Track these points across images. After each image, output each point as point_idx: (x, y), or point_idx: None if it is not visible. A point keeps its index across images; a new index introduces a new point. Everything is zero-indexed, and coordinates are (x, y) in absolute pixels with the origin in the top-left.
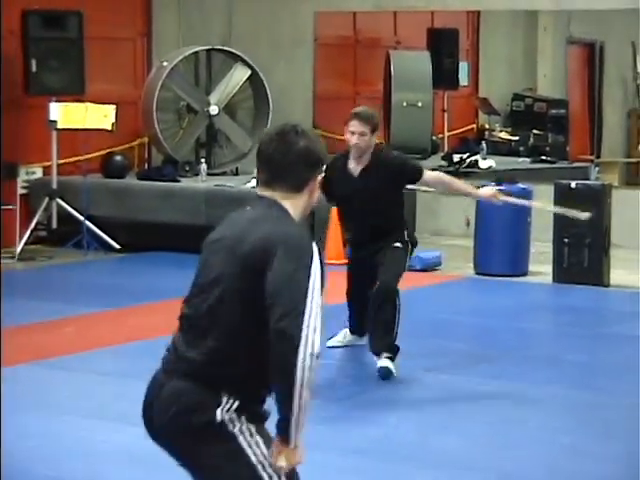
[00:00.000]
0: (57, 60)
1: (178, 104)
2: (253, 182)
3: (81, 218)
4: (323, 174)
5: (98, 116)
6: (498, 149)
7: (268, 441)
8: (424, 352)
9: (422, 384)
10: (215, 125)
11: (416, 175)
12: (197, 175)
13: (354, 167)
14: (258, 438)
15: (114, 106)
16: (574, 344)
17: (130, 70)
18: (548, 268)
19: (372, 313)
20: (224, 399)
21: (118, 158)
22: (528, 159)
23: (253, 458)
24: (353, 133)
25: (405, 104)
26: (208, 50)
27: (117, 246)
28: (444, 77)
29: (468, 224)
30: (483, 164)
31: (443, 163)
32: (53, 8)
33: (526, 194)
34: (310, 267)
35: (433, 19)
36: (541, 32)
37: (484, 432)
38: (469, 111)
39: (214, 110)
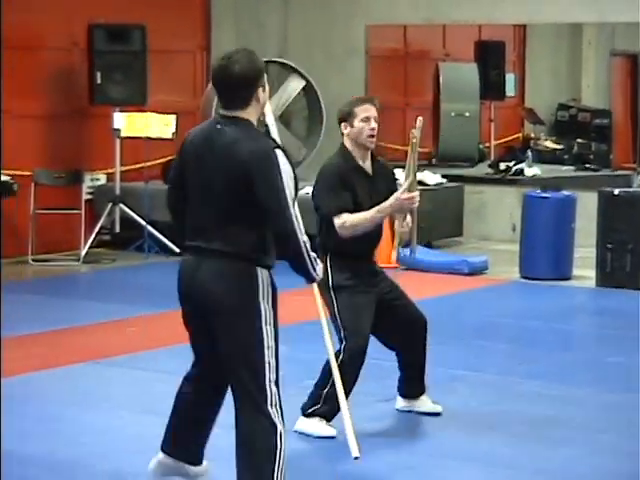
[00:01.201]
0: (121, 72)
1: None
2: (307, 189)
3: (143, 223)
4: (337, 187)
5: (159, 125)
6: (543, 157)
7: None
8: (469, 353)
9: (467, 384)
10: (271, 134)
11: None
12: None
13: (365, 165)
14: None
15: (175, 115)
16: (615, 347)
17: (190, 81)
18: (591, 272)
19: (412, 352)
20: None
21: None
22: (572, 167)
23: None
24: (368, 119)
25: (453, 114)
26: (264, 62)
27: (177, 250)
28: (491, 88)
29: (514, 229)
30: (529, 172)
31: (490, 171)
32: (118, 22)
33: (570, 201)
34: (280, 170)
35: (481, 32)
36: (585, 44)
37: (527, 432)
38: (515, 121)
39: (270, 120)
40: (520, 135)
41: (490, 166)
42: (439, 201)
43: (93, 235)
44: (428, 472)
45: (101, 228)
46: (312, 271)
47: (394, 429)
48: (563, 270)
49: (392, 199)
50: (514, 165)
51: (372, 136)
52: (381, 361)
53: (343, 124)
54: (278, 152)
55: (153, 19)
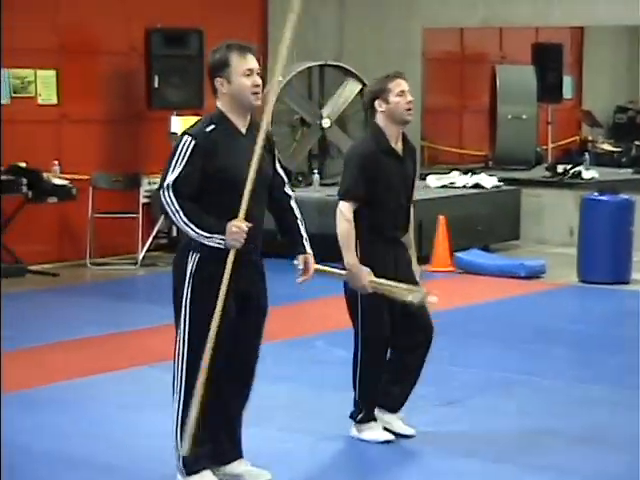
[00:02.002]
0: (178, 76)
1: (292, 117)
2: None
3: None
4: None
5: None
6: (601, 160)
7: None
8: (527, 358)
9: (525, 389)
10: (327, 137)
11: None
12: (310, 185)
13: (396, 146)
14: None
15: None
16: None
17: None
18: None
19: (413, 358)
20: None
21: None
22: (630, 170)
23: None
24: (403, 93)
25: (510, 117)
26: (321, 65)
27: None
28: (548, 90)
29: (572, 233)
30: (586, 175)
31: (547, 174)
32: (175, 26)
33: (628, 204)
34: (176, 151)
35: (538, 34)
36: None
37: (587, 436)
38: (573, 123)
39: (326, 123)
40: (578, 138)
41: (547, 169)
42: (496, 204)
43: (150, 239)
44: (484, 477)
45: (158, 232)
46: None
47: (452, 433)
48: (621, 274)
49: (347, 275)
50: (571, 168)
51: (410, 109)
52: (437, 365)
53: (377, 102)
54: (184, 137)
55: (210, 23)
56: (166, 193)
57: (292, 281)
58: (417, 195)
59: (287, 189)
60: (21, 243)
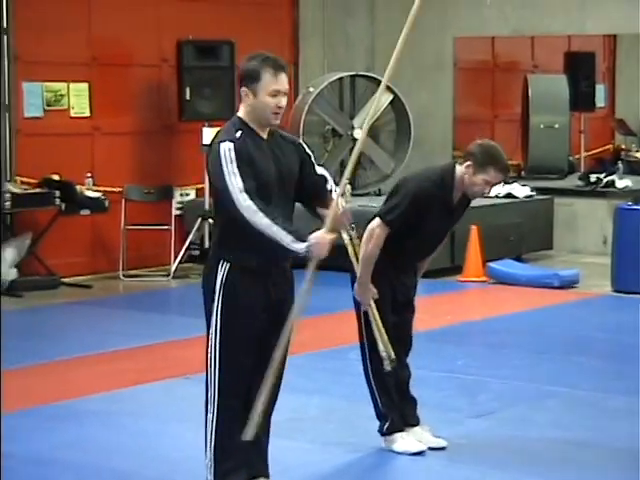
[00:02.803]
0: (210, 88)
1: (323, 128)
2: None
3: None
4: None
5: None
6: (634, 169)
7: None
8: (561, 369)
9: (559, 401)
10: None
11: None
12: (342, 196)
13: (456, 196)
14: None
15: None
16: None
17: None
18: None
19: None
20: None
21: None
22: None
23: None
24: (488, 183)
25: (542, 126)
26: (352, 76)
27: None
28: (581, 99)
29: (605, 242)
30: (620, 184)
31: (580, 183)
32: (206, 38)
33: None
34: (220, 158)
35: (570, 43)
36: None
37: (617, 448)
38: (606, 132)
39: (358, 133)
40: (611, 146)
41: (580, 178)
42: (529, 214)
43: (183, 250)
44: None
45: (191, 243)
46: (290, 248)
47: (485, 445)
48: None
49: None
50: (605, 177)
51: (478, 196)
52: (469, 376)
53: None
54: (222, 144)
55: (241, 35)
56: (241, 198)
57: (325, 293)
58: None
59: (329, 186)
60: (54, 255)
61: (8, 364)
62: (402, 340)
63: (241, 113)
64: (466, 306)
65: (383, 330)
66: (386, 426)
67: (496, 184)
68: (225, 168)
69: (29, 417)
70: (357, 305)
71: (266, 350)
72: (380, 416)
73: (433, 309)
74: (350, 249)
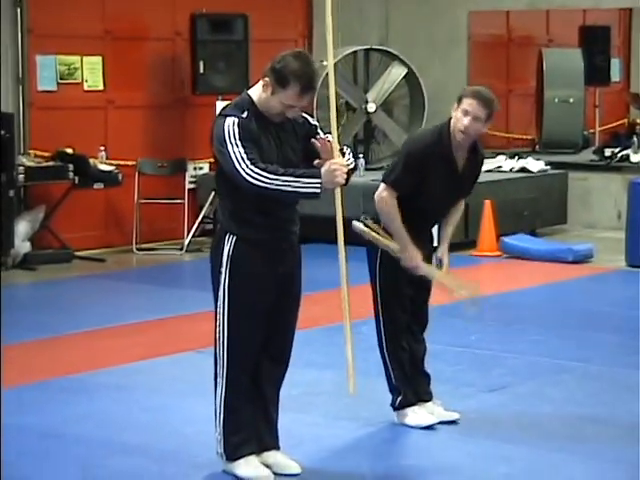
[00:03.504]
0: (223, 61)
1: (337, 102)
2: None
3: None
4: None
5: None
6: None
7: None
8: (575, 343)
9: (573, 376)
10: (372, 122)
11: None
12: (355, 170)
13: (457, 155)
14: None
15: None
16: None
17: None
18: None
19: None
20: None
21: None
22: None
23: None
24: (466, 113)
25: (557, 100)
26: (366, 50)
27: None
28: (596, 73)
29: (619, 216)
30: (634, 158)
31: (594, 157)
32: (220, 12)
33: None
34: (224, 132)
35: (585, 17)
36: None
37: (635, 422)
38: (620, 106)
39: (372, 107)
40: (625, 121)
41: (595, 152)
42: (543, 188)
43: (196, 224)
44: (530, 464)
45: (204, 217)
46: (307, 192)
47: (498, 419)
48: None
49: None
50: (619, 151)
51: (465, 129)
52: (483, 351)
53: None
54: (227, 119)
55: (255, 8)
56: (244, 165)
57: (334, 267)
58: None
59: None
60: (68, 229)
61: (21, 337)
62: (417, 315)
63: (254, 94)
64: (480, 281)
65: (453, 277)
66: (399, 400)
67: (477, 115)
68: (228, 140)
69: (41, 390)
70: (373, 278)
71: (273, 324)
72: (393, 390)
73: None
74: (372, 234)
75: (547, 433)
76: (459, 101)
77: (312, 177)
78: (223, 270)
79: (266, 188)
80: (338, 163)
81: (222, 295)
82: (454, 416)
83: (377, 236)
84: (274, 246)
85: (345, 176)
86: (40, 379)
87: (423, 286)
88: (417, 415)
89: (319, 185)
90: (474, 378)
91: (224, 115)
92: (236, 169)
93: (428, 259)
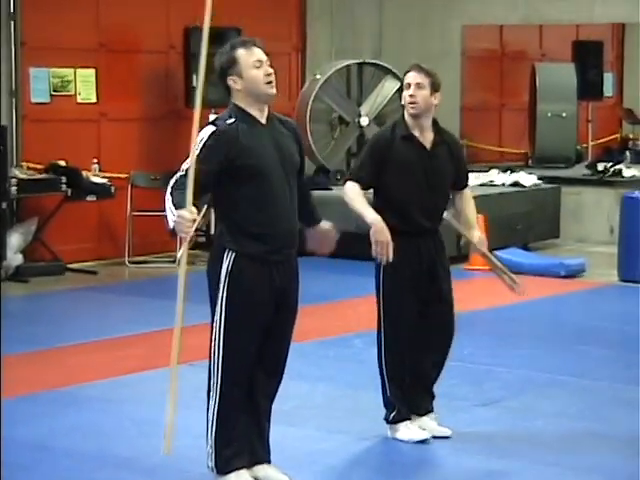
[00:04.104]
0: (217, 74)
1: (330, 115)
2: None
3: None
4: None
5: None
6: None
7: None
8: (568, 358)
9: (565, 390)
10: (366, 135)
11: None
12: None
13: (422, 136)
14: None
15: None
16: None
17: (285, 83)
18: None
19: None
20: None
21: None
22: None
23: None
24: (409, 85)
25: (550, 115)
26: (359, 63)
27: None
28: (589, 88)
29: (612, 231)
30: (627, 173)
31: (587, 172)
32: (214, 25)
33: None
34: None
35: (578, 32)
36: None
37: (628, 436)
38: (613, 121)
39: (365, 121)
40: (618, 135)
41: (587, 167)
42: (535, 203)
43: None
44: (525, 479)
45: (196, 230)
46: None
47: (492, 434)
48: None
49: (379, 230)
50: (612, 166)
51: (411, 102)
52: (476, 365)
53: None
54: (206, 127)
55: (249, 21)
56: (175, 177)
57: (330, 280)
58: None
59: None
60: (60, 241)
61: (13, 349)
62: (427, 330)
63: (236, 101)
64: (472, 295)
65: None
66: (392, 415)
67: (419, 82)
68: (193, 149)
69: (31, 402)
70: (378, 291)
71: (269, 337)
72: (387, 404)
73: None
74: (454, 223)
75: (541, 447)
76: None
77: (175, 211)
78: (221, 286)
79: (165, 200)
80: (182, 215)
81: (219, 309)
82: (446, 432)
83: (458, 225)
84: (272, 260)
85: (187, 232)
86: (30, 391)
87: (434, 300)
88: (409, 430)
89: (172, 223)
90: (467, 392)
91: (208, 123)
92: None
93: (443, 265)
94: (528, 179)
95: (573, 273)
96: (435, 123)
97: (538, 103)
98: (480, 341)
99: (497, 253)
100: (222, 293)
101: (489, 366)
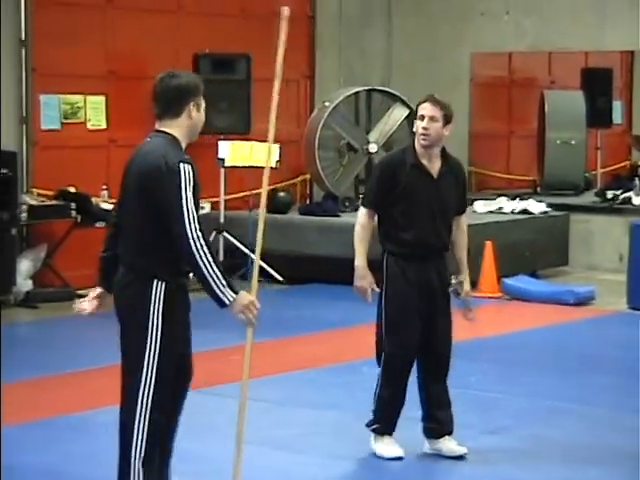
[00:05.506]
0: (226, 101)
1: (339, 142)
2: None
3: (247, 251)
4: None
5: (263, 154)
6: None
7: None
8: (576, 386)
9: (574, 418)
10: (374, 162)
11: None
12: (356, 210)
13: (429, 164)
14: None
15: (278, 144)
16: None
17: (294, 110)
18: None
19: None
20: None
21: (282, 194)
22: None
23: None
24: (423, 117)
25: (559, 142)
26: (368, 90)
27: (280, 278)
28: (598, 116)
29: (621, 259)
30: (636, 200)
31: (596, 199)
32: (223, 52)
33: None
34: (180, 182)
35: (587, 59)
36: None
37: (629, 465)
38: (622, 149)
39: (373, 148)
40: (627, 163)
41: (597, 194)
42: (544, 230)
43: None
44: None
45: None
46: (218, 292)
47: (499, 462)
48: None
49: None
50: (621, 194)
51: (423, 134)
52: (483, 392)
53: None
54: (182, 165)
55: (258, 48)
56: (193, 227)
57: (337, 307)
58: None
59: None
60: (69, 267)
61: (22, 375)
62: (430, 353)
63: (176, 130)
64: (480, 322)
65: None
66: (373, 427)
67: (433, 115)
68: (184, 191)
69: (42, 428)
70: (379, 315)
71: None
72: (374, 412)
73: None
74: None
75: (548, 475)
76: (416, 113)
77: (232, 291)
78: (152, 318)
79: (196, 258)
80: (249, 298)
81: (150, 344)
82: (461, 450)
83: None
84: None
85: (252, 318)
86: (41, 417)
87: (437, 316)
88: (386, 446)
89: (230, 302)
90: (474, 420)
91: (178, 161)
92: (185, 224)
93: (442, 289)
94: (537, 206)
95: (582, 301)
96: (443, 150)
97: (547, 130)
98: (487, 369)
99: (506, 280)
100: (153, 326)
101: (496, 394)
